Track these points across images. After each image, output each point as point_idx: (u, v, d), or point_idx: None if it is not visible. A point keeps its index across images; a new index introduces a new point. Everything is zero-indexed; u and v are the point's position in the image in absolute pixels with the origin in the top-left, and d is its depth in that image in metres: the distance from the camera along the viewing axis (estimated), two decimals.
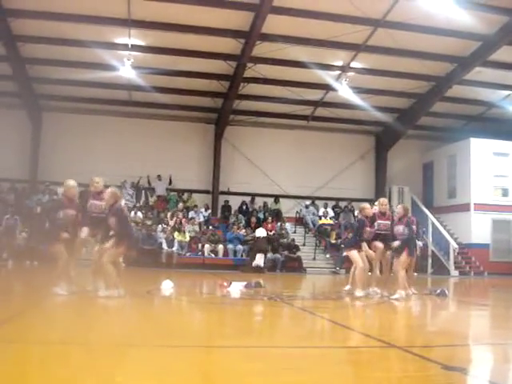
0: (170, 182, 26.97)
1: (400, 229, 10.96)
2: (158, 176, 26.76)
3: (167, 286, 11.44)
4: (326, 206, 27.26)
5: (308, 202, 27.74)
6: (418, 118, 27.18)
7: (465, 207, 26.96)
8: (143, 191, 26.56)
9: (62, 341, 5.21)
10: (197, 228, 24.41)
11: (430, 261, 25.16)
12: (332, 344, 5.88)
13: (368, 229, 11.10)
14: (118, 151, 26.71)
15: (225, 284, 12.16)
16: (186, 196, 27.17)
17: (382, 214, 11.59)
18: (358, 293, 10.62)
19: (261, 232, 23.37)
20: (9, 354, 4.38)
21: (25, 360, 4.21)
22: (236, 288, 11.83)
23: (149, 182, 26.65)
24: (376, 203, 12.10)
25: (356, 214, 13.41)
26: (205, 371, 4.35)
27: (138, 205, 25.46)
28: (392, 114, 27.87)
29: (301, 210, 27.76)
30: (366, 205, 12.04)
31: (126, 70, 22.32)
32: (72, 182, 9.03)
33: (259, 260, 22.12)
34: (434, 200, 29.66)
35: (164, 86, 24.74)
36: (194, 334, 6.28)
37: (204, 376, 4.16)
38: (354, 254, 11.17)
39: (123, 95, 26.28)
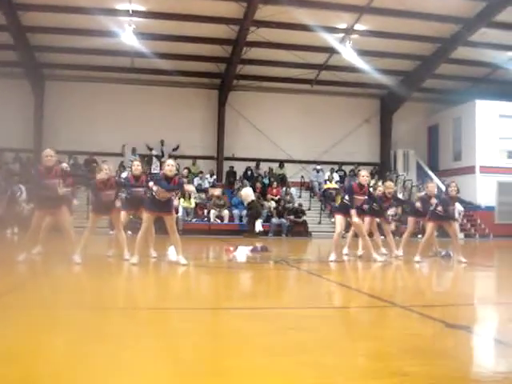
0: (177, 148, 26.81)
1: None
2: (161, 141, 26.67)
3: (173, 252, 11.50)
4: (332, 171, 27.20)
5: (319, 167, 27.65)
6: (423, 81, 26.98)
7: (470, 170, 26.92)
8: (153, 158, 26.41)
9: (70, 306, 5.28)
10: (202, 194, 24.46)
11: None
12: (337, 304, 5.96)
13: (358, 197, 10.80)
14: (121, 118, 26.65)
15: (231, 249, 12.23)
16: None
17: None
18: (331, 257, 10.43)
19: (247, 193, 23.24)
20: (19, 319, 4.46)
21: (34, 324, 4.27)
22: (242, 252, 11.92)
23: (149, 149, 26.49)
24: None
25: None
26: (212, 331, 4.42)
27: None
28: (397, 77, 27.65)
29: (315, 174, 27.68)
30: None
31: (127, 36, 22.14)
32: (48, 151, 8.91)
33: (259, 226, 22.21)
34: (439, 163, 29.60)
35: (166, 51, 24.55)
36: (200, 297, 6.36)
37: (211, 336, 4.22)
38: (337, 218, 10.97)
39: (125, 62, 26.09)
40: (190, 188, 9.84)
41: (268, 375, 3.02)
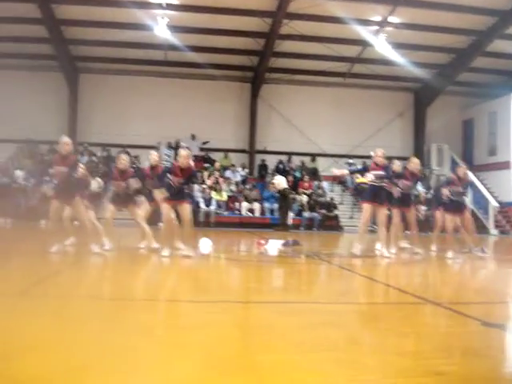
0: (205, 143, 26.90)
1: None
2: (192, 135, 26.77)
3: (205, 245, 11.53)
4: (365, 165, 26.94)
5: (351, 161, 27.46)
6: (458, 74, 26.55)
7: (505, 165, 26.44)
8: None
9: (102, 296, 5.32)
10: (234, 187, 24.50)
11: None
12: (369, 300, 5.89)
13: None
14: (154, 111, 26.80)
15: (262, 242, 12.22)
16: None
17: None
18: (355, 249, 10.27)
19: (280, 181, 22.65)
20: (49, 308, 4.50)
21: (65, 313, 4.30)
22: (273, 246, 11.90)
23: (177, 146, 26.59)
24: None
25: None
26: (243, 325, 4.41)
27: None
28: (431, 70, 27.25)
29: (348, 167, 27.48)
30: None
31: (160, 29, 22.24)
32: (66, 139, 8.99)
33: (290, 219, 21.94)
34: (473, 158, 29.16)
35: (199, 44, 24.58)
36: (232, 290, 6.35)
37: (242, 329, 4.21)
38: (364, 206, 10.65)
39: (159, 55, 26.22)
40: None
41: (299, 371, 2.98)
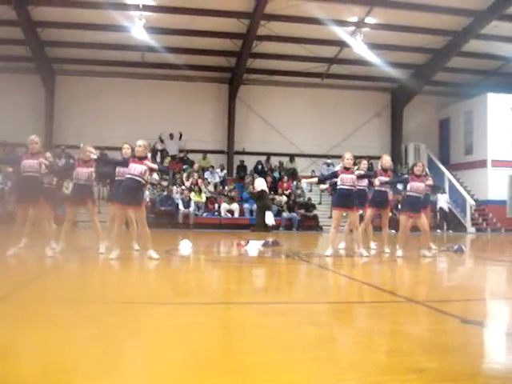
0: (180, 137, 26.93)
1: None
2: (170, 135, 26.74)
3: (185, 246, 11.54)
4: (328, 165, 27.00)
5: (329, 161, 27.59)
6: (434, 74, 26.83)
7: (482, 164, 26.75)
8: (159, 152, 26.50)
9: (84, 300, 5.29)
10: (212, 189, 24.48)
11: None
12: (350, 299, 5.93)
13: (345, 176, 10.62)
14: (131, 113, 26.67)
15: (242, 243, 12.23)
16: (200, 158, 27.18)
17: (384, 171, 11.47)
18: (328, 252, 10.27)
19: (260, 183, 22.87)
20: (33, 314, 4.46)
21: (50, 319, 4.28)
22: (254, 247, 11.92)
23: (161, 140, 26.56)
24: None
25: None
26: (225, 326, 4.41)
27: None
28: (408, 70, 27.50)
29: (326, 168, 27.61)
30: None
31: (137, 30, 22.15)
32: (33, 137, 8.93)
33: (270, 218, 21.93)
34: (450, 157, 29.46)
35: (177, 46, 24.54)
36: (212, 291, 6.35)
37: (224, 330, 4.21)
38: (334, 212, 11.05)
39: (136, 56, 26.12)
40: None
41: (283, 371, 3.00)
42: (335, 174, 10.87)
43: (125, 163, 8.95)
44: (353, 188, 10.37)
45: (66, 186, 20.68)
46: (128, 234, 9.67)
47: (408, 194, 10.58)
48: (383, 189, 11.35)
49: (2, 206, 20.72)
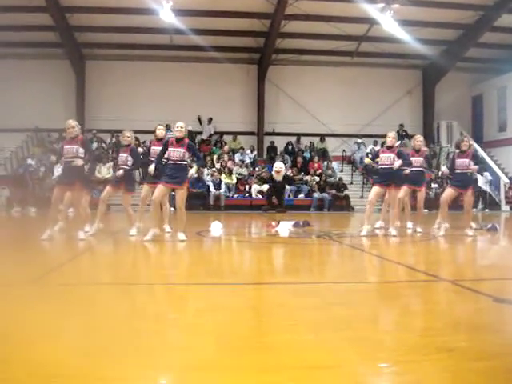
0: (210, 121, 27.12)
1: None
2: (210, 119, 26.88)
3: (216, 227, 11.61)
4: (375, 144, 26.76)
5: (360, 140, 27.42)
6: (466, 50, 26.28)
7: None
8: (190, 135, 26.61)
9: (115, 281, 5.37)
10: (243, 170, 24.50)
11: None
12: (381, 279, 5.90)
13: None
14: (161, 96, 26.80)
15: (273, 224, 12.26)
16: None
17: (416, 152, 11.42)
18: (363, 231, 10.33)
19: (282, 166, 22.83)
20: (66, 296, 4.54)
21: (83, 301, 4.35)
22: (284, 227, 11.93)
23: (200, 121, 26.67)
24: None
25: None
26: (256, 306, 4.45)
27: None
28: (439, 47, 27.04)
29: (356, 147, 27.44)
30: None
31: (165, 13, 22.13)
32: (70, 122, 9.18)
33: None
34: (483, 134, 28.99)
35: (204, 27, 24.47)
36: (243, 272, 6.39)
37: (256, 310, 4.25)
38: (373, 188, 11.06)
39: (164, 39, 26.13)
40: None
41: (313, 351, 3.01)
42: (377, 153, 10.92)
43: (164, 150, 8.98)
44: (392, 166, 10.33)
45: (99, 170, 20.94)
46: (160, 215, 9.75)
47: (456, 171, 10.48)
48: (419, 168, 11.32)
49: (39, 191, 21.08)
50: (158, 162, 9.24)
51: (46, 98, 25.80)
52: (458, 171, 10.42)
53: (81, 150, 8.86)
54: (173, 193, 10.08)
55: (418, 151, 11.49)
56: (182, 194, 8.88)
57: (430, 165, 20.67)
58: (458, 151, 10.67)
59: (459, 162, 10.38)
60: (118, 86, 26.78)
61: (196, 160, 9.77)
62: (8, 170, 23.69)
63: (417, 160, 11.28)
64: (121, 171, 9.73)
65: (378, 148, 25.37)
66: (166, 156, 8.91)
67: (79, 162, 8.69)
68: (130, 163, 9.79)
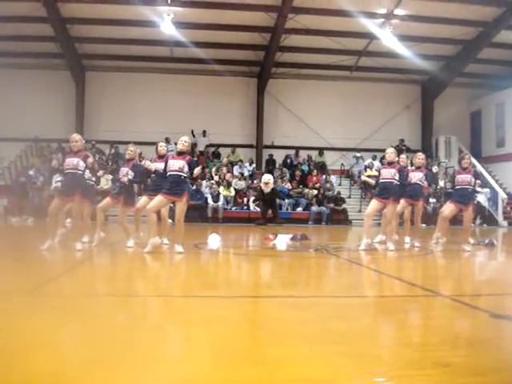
0: (204, 134, 27.17)
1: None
2: (204, 132, 26.90)
3: (214, 240, 11.59)
4: (374, 158, 26.89)
5: (358, 154, 27.50)
6: (465, 66, 26.39)
7: None
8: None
9: (112, 293, 5.36)
10: (242, 183, 24.50)
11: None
12: (378, 293, 5.89)
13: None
14: (160, 108, 26.91)
15: (271, 237, 12.25)
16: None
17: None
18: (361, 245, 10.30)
19: (270, 178, 22.53)
20: (59, 305, 4.53)
21: (78, 312, 4.34)
22: (282, 240, 11.92)
23: (193, 135, 26.70)
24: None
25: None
26: (252, 319, 4.43)
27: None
28: (438, 62, 27.18)
29: (355, 161, 27.48)
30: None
31: (166, 25, 22.24)
32: (74, 136, 9.19)
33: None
34: (482, 150, 29.04)
35: (205, 40, 24.61)
36: (240, 285, 6.38)
37: (252, 323, 4.23)
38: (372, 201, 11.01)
39: (164, 52, 26.27)
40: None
41: (308, 364, 3.00)
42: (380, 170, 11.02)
43: (165, 168, 9.02)
44: (392, 181, 10.37)
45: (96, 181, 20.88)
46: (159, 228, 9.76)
47: (457, 187, 10.52)
48: (417, 182, 11.39)
49: (39, 200, 21.05)
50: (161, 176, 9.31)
51: (46, 108, 25.87)
52: (459, 187, 10.45)
53: (81, 164, 8.90)
54: (171, 205, 10.07)
55: (418, 168, 11.56)
56: (181, 206, 8.87)
57: (431, 181, 20.81)
58: (458, 168, 10.73)
59: (461, 178, 10.43)
60: (117, 98, 26.87)
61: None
62: (6, 180, 23.68)
63: (416, 175, 11.34)
64: (125, 178, 9.75)
65: (377, 164, 25.55)
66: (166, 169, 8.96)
67: (125, 179, 9.13)
68: (130, 177, 9.79)
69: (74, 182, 8.84)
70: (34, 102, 25.56)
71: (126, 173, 9.79)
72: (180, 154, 8.96)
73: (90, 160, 9.06)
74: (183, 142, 9.00)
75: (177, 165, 8.81)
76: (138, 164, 10.34)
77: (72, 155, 9.01)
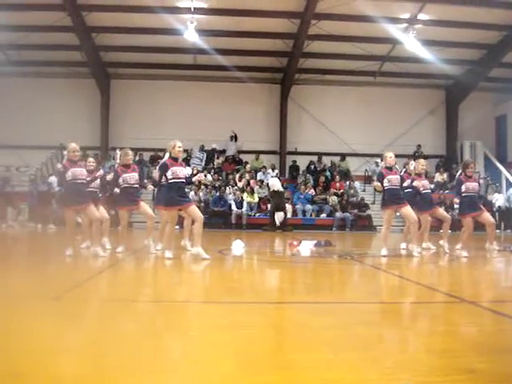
0: (236, 139, 27.27)
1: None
2: (235, 136, 27.16)
3: (238, 246, 11.64)
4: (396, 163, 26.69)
5: (379, 160, 27.37)
6: (490, 70, 26.14)
7: None
8: (213, 153, 26.89)
9: (137, 299, 5.42)
10: (263, 190, 24.48)
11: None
12: (402, 299, 5.88)
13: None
14: (184, 115, 27.04)
15: (295, 243, 12.26)
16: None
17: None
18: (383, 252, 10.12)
19: (274, 182, 22.51)
20: (87, 312, 4.60)
21: (102, 317, 4.40)
22: (306, 247, 11.92)
23: (235, 137, 27.11)
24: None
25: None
26: (277, 325, 4.45)
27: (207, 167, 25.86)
28: (462, 67, 26.94)
29: (375, 167, 27.34)
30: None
31: (189, 33, 22.40)
32: (73, 145, 9.26)
33: (279, 218, 21.51)
34: (507, 154, 28.72)
35: (228, 47, 24.73)
36: (265, 291, 6.40)
37: (276, 329, 4.26)
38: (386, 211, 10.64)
39: (188, 59, 26.44)
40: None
41: (332, 370, 3.02)
42: (381, 176, 10.57)
43: (165, 170, 8.92)
44: (400, 187, 10.26)
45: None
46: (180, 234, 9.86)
47: (464, 195, 10.36)
48: (427, 190, 11.33)
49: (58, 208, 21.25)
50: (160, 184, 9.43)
51: (71, 116, 26.17)
52: (466, 194, 10.27)
53: (85, 173, 9.14)
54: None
55: (420, 175, 11.38)
56: (194, 207, 8.98)
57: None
58: (463, 175, 10.49)
59: (471, 185, 10.28)
60: (142, 105, 27.12)
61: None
62: (31, 187, 23.96)
63: (423, 184, 11.18)
64: (150, 186, 9.98)
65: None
66: (171, 176, 8.80)
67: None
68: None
69: (86, 191, 9.12)
70: (59, 110, 25.87)
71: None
72: (176, 160, 9.00)
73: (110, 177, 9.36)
74: (179, 147, 9.08)
75: (184, 172, 9.00)
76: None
77: (75, 165, 9.00)
